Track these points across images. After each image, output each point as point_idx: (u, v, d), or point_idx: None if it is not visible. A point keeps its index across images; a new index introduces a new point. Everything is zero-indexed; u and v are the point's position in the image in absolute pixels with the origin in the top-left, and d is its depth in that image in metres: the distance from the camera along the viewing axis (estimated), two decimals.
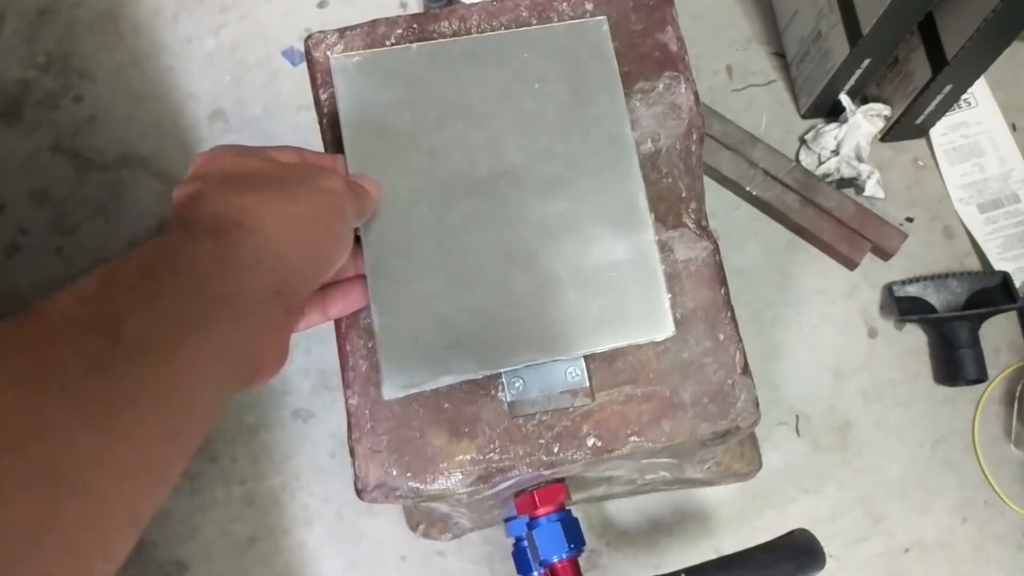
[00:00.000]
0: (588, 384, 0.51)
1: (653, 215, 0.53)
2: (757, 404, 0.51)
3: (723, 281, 0.53)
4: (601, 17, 0.55)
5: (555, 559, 0.60)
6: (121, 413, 0.31)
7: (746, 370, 0.52)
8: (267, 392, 0.94)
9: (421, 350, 0.51)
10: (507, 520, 0.75)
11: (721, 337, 0.52)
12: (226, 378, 0.37)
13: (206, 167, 0.43)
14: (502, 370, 0.51)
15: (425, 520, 0.82)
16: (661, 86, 0.55)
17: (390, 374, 0.51)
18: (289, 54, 1.05)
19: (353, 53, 0.54)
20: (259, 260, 0.38)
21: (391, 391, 0.51)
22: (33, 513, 0.27)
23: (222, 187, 0.40)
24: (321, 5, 1.07)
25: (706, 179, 0.97)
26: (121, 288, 0.33)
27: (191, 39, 1.07)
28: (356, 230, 0.50)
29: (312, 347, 0.95)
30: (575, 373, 0.51)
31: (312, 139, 1.00)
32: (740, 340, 0.52)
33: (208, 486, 0.92)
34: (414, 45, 0.55)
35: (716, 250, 0.54)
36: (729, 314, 0.52)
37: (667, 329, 0.52)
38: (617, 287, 0.52)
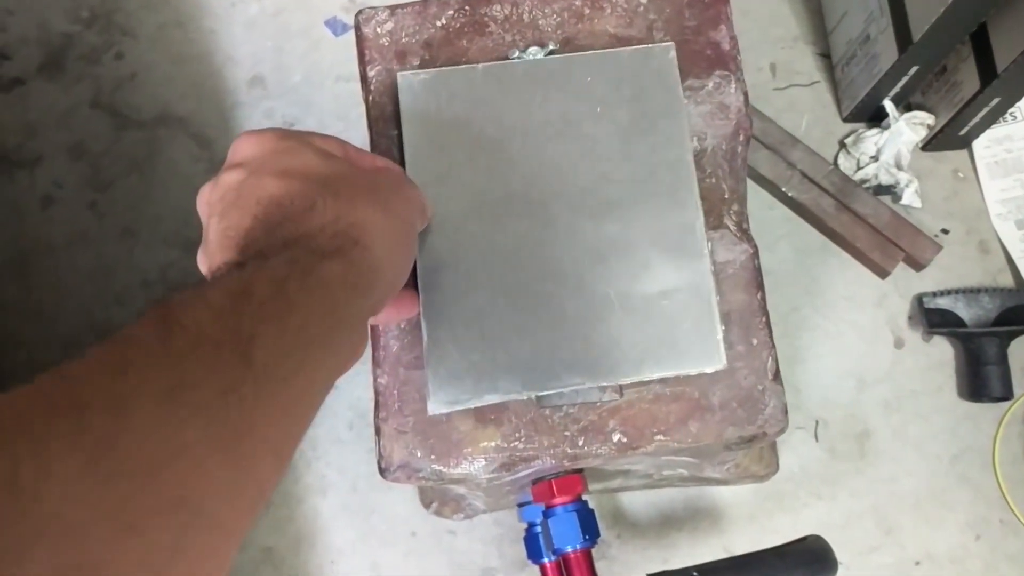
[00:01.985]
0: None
1: (710, 245, 0.53)
2: (786, 411, 0.51)
3: (760, 286, 0.53)
4: (669, 43, 0.55)
5: (569, 549, 0.61)
6: (246, 439, 0.31)
7: (777, 377, 0.51)
8: None
9: (468, 367, 0.51)
10: (521, 505, 0.76)
11: (755, 342, 0.52)
12: (327, 392, 0.37)
13: (282, 161, 0.41)
14: (548, 393, 0.51)
15: (439, 499, 0.82)
16: (711, 84, 0.55)
17: (436, 389, 0.51)
18: (332, 24, 1.05)
19: (419, 71, 0.54)
20: (373, 280, 0.39)
21: (436, 407, 0.51)
22: (163, 544, 0.27)
23: (330, 195, 0.39)
24: None
25: None
26: (255, 304, 0.33)
27: (235, 2, 1.07)
28: None
29: None
30: None
31: (351, 111, 1.02)
32: (773, 346, 0.52)
33: None
34: (480, 66, 0.55)
35: (755, 254, 0.53)
36: (764, 319, 0.52)
37: (718, 362, 0.51)
38: (669, 315, 0.52)
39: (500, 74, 0.54)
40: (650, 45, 0.55)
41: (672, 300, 0.52)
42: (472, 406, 0.51)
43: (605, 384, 0.51)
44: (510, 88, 0.54)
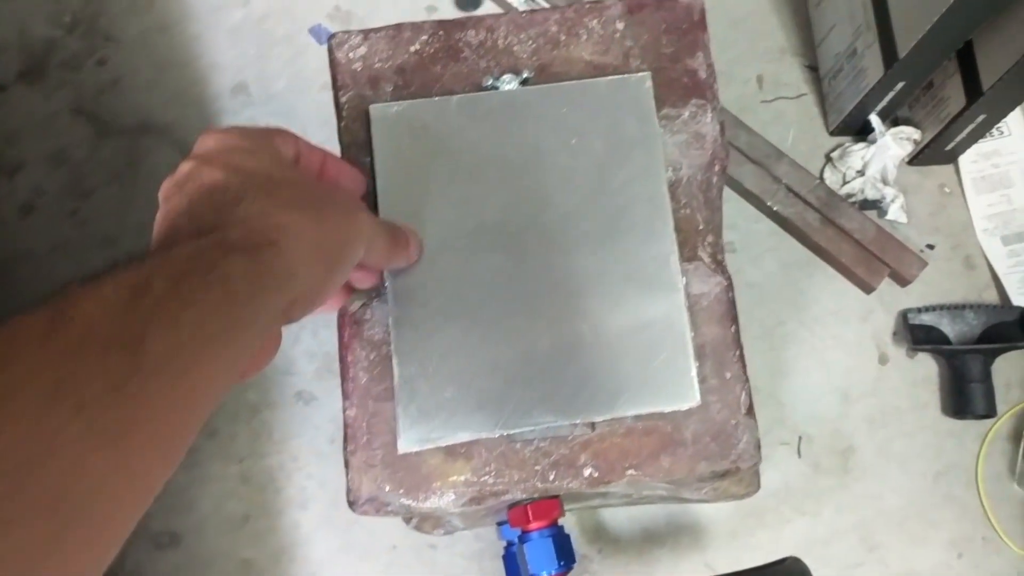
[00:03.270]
0: None
1: (684, 279, 0.52)
2: (759, 446, 0.51)
3: (734, 318, 0.52)
4: (645, 73, 0.54)
5: (544, 574, 0.60)
6: (131, 436, 0.30)
7: (750, 411, 0.51)
8: (271, 371, 0.94)
9: (439, 404, 0.51)
10: (500, 523, 0.75)
11: (728, 376, 0.51)
12: (226, 388, 0.37)
13: (236, 157, 0.41)
14: (520, 430, 0.51)
15: (418, 515, 0.81)
16: (686, 113, 0.54)
17: (407, 427, 0.51)
18: (316, 31, 1.04)
19: (392, 103, 0.54)
20: (283, 284, 0.38)
21: (407, 445, 0.50)
22: (38, 539, 0.27)
23: (264, 194, 0.39)
24: None
25: (728, 191, 0.96)
26: (149, 300, 0.32)
27: (219, 8, 1.06)
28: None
29: (319, 330, 0.95)
30: None
31: (334, 119, 1.01)
32: (747, 380, 0.51)
33: (206, 461, 0.92)
34: (454, 97, 0.54)
35: (729, 286, 0.53)
36: (738, 353, 0.52)
37: (693, 399, 0.51)
38: (642, 352, 0.51)
39: (474, 105, 0.54)
40: (625, 76, 0.54)
41: (646, 336, 0.51)
42: (443, 444, 0.50)
43: (579, 422, 0.50)
44: (484, 119, 0.54)
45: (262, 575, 0.90)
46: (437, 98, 0.54)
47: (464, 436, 0.50)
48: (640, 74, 0.54)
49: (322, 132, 0.99)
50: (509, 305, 0.51)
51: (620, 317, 0.51)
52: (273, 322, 0.39)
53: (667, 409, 0.51)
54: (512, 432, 0.50)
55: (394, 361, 0.51)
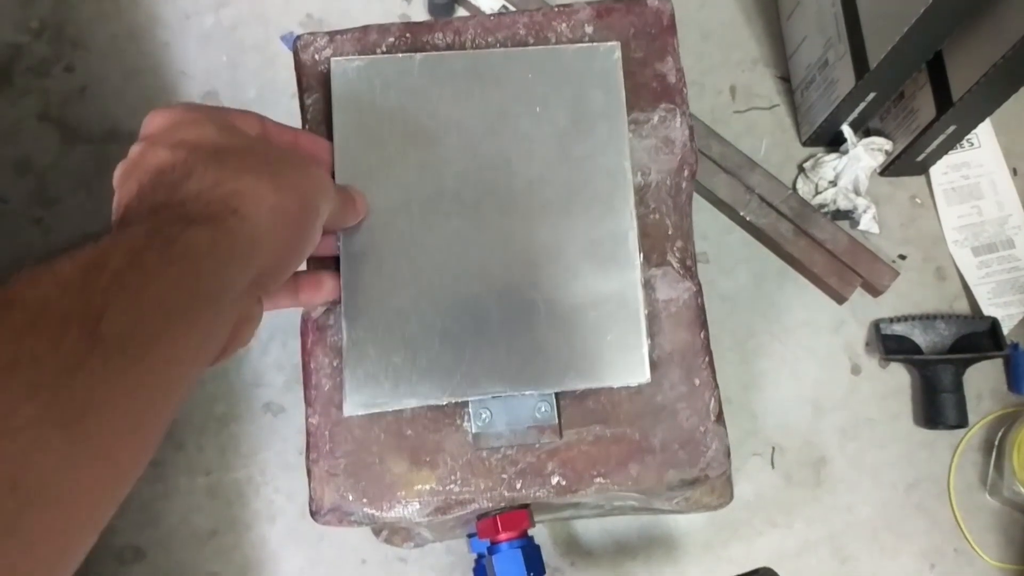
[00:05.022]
0: (557, 421, 0.50)
1: (641, 255, 0.52)
2: (728, 454, 0.50)
3: (703, 324, 0.52)
4: (614, 43, 0.53)
5: None
6: (93, 416, 0.29)
7: (720, 418, 0.50)
8: (239, 383, 0.93)
9: (388, 370, 0.50)
10: (470, 535, 0.74)
11: (697, 382, 0.50)
12: (198, 367, 0.36)
13: (180, 132, 0.40)
14: (468, 399, 0.50)
15: (388, 527, 0.80)
16: (656, 118, 0.53)
17: (353, 391, 0.50)
18: (288, 39, 1.03)
19: (354, 57, 0.52)
20: (250, 252, 0.37)
21: (352, 408, 0.50)
22: None
23: (213, 163, 0.38)
24: None
25: (700, 200, 0.96)
26: (107, 276, 0.31)
27: (190, 15, 1.05)
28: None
29: (288, 341, 0.93)
30: (544, 409, 0.50)
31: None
32: (716, 387, 0.51)
33: (172, 474, 0.91)
34: (417, 55, 0.53)
35: (699, 292, 0.52)
36: (707, 359, 0.51)
37: (643, 376, 0.50)
38: (596, 326, 0.50)
39: (438, 65, 0.53)
40: (594, 44, 0.53)
41: (599, 311, 0.50)
42: (390, 409, 0.49)
43: (528, 392, 0.50)
44: (448, 80, 0.52)
45: None
46: (400, 55, 0.53)
47: (412, 402, 0.49)
48: (609, 44, 0.53)
49: None
50: (463, 272, 0.51)
51: (575, 290, 0.51)
52: (242, 296, 0.38)
53: (616, 384, 0.50)
54: (461, 399, 0.50)
55: (343, 324, 0.50)
